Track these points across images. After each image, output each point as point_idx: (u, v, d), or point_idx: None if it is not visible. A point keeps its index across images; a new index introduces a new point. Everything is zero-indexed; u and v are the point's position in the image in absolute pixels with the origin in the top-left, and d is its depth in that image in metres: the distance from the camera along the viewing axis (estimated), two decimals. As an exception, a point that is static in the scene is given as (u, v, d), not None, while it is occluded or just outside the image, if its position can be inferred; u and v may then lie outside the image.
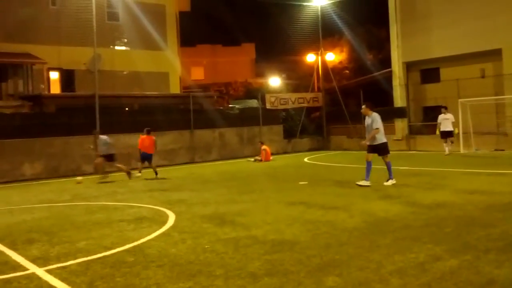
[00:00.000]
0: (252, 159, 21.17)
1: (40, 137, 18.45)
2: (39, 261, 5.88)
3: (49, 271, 5.40)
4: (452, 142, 18.75)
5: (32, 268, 5.60)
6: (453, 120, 18.60)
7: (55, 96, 24.60)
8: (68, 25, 24.97)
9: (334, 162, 19.01)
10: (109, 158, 15.58)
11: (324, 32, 28.67)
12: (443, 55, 22.15)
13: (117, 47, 28.01)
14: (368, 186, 10.71)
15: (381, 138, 11.06)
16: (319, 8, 27.50)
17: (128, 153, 19.44)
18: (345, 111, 26.33)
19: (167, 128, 21.74)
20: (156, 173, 15.83)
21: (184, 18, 34.21)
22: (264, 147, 21.10)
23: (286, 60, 38.96)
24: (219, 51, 46.02)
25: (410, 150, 22.78)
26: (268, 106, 25.72)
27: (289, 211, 8.44)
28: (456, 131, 18.95)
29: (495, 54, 20.28)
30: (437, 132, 18.96)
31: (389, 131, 23.48)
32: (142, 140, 16.15)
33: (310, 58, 30.58)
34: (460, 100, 19.89)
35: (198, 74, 43.39)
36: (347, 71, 36.26)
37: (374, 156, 11.12)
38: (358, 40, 34.45)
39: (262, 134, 24.73)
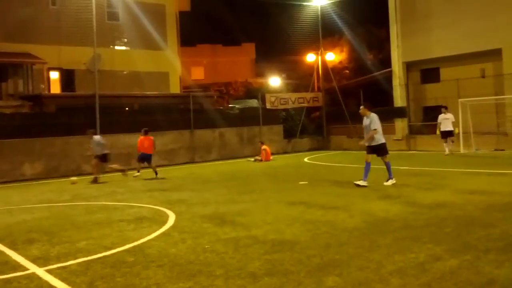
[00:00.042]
0: (252, 159, 21.17)
1: (40, 137, 18.46)
2: (39, 261, 5.88)
3: (49, 271, 5.40)
4: (452, 142, 18.74)
5: (32, 268, 5.60)
6: (453, 120, 18.60)
7: (55, 96, 24.61)
8: (68, 25, 24.97)
9: (334, 162, 19.01)
10: (103, 158, 15.53)
11: (324, 32, 28.69)
12: (443, 55, 22.15)
13: (117, 47, 28.01)
14: (365, 186, 10.70)
15: (380, 139, 11.04)
16: (319, 8, 27.50)
17: (128, 153, 19.45)
18: (345, 111, 26.32)
19: (167, 128, 21.75)
20: (156, 173, 15.81)
21: (184, 18, 34.20)
22: (264, 147, 21.10)
23: (286, 60, 38.96)
24: (219, 51, 46.02)
25: (410, 150, 22.78)
26: (268, 106, 25.72)
27: (289, 211, 8.44)
28: (457, 131, 18.95)
29: (495, 54, 20.28)
30: (438, 132, 18.96)
31: (389, 131, 23.61)
32: (141, 141, 16.07)
33: (310, 58, 30.59)
34: (460, 100, 19.89)
35: (198, 74, 43.39)
36: (347, 71, 36.25)
37: (373, 157, 11.11)
38: (358, 40, 34.45)
39: (262, 134, 24.73)
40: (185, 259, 5.61)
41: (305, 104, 27.33)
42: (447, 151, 18.55)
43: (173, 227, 7.55)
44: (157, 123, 21.13)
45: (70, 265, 5.63)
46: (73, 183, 15.27)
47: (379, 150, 11.06)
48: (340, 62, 36.45)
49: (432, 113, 21.95)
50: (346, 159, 19.77)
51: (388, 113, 24.13)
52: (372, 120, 10.96)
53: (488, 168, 13.40)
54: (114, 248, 6.29)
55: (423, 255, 5.25)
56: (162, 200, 10.63)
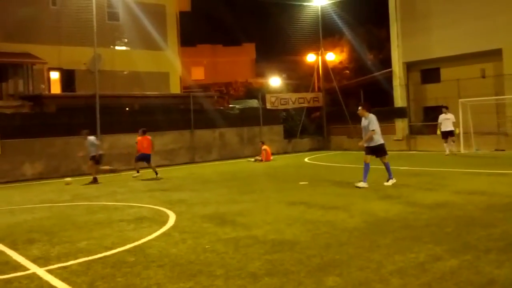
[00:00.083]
0: (253, 159, 21.18)
1: (40, 137, 18.48)
2: (40, 261, 5.88)
3: (49, 271, 5.40)
4: (453, 142, 18.71)
5: (33, 268, 5.60)
6: (454, 120, 18.56)
7: (55, 96, 24.62)
8: (69, 25, 24.98)
9: (335, 162, 19.01)
10: (97, 159, 15.47)
11: (325, 32, 28.70)
12: (444, 55, 22.14)
13: (117, 47, 28.01)
14: (366, 187, 10.69)
15: (378, 140, 11.01)
16: (319, 8, 27.50)
17: (128, 153, 19.45)
18: (345, 111, 26.31)
19: (167, 128, 21.76)
20: (156, 173, 15.78)
21: (184, 18, 34.20)
22: (264, 147, 21.11)
23: (287, 60, 38.95)
24: (219, 51, 46.02)
25: (410, 150, 22.78)
26: (268, 106, 25.72)
27: (289, 211, 8.44)
28: (457, 131, 18.92)
29: (495, 54, 20.28)
30: (438, 132, 18.92)
31: (389, 131, 23.63)
32: (140, 142, 15.95)
33: (311, 58, 30.60)
34: (460, 100, 19.89)
35: (198, 74, 43.38)
36: (348, 71, 36.26)
37: (372, 157, 11.09)
38: (358, 40, 34.45)
39: (263, 134, 24.73)
40: (185, 259, 5.62)
41: (306, 104, 27.33)
42: (447, 151, 18.55)
43: (173, 227, 7.56)
44: (157, 123, 21.16)
45: (70, 265, 5.64)
46: (67, 183, 15.15)
47: (378, 151, 11.04)
48: (341, 62, 36.46)
49: (432, 113, 21.94)
50: (346, 159, 19.77)
51: (389, 113, 24.14)
52: (370, 120, 10.94)
53: (489, 168, 13.40)
54: (115, 248, 6.30)
55: (423, 255, 5.25)
56: (162, 200, 10.63)
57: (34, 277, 5.26)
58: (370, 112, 11.13)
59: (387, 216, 7.51)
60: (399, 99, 24.31)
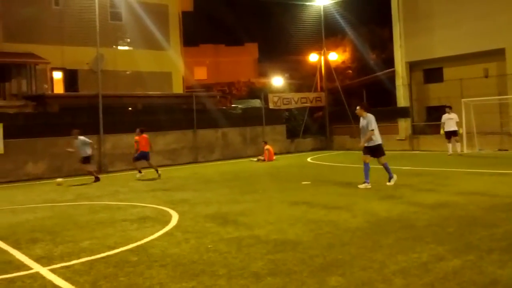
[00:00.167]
0: (255, 159, 21.18)
1: (43, 137, 18.50)
2: (43, 260, 5.90)
3: (52, 271, 5.42)
4: (457, 141, 18.63)
5: (36, 267, 5.62)
6: (457, 120, 18.48)
7: (58, 96, 24.68)
8: (71, 25, 25.05)
9: (337, 162, 19.00)
10: (86, 160, 15.41)
11: (327, 31, 28.63)
12: (446, 54, 22.09)
13: (120, 47, 28.07)
14: (368, 187, 10.67)
15: (377, 139, 10.94)
16: (322, 8, 27.46)
17: (130, 153, 19.37)
18: (348, 111, 26.25)
19: (170, 128, 21.78)
20: (158, 172, 15.78)
21: (187, 18, 34.25)
22: (267, 147, 21.11)
23: (289, 60, 38.93)
24: (222, 51, 46.03)
25: (413, 150, 22.74)
26: (271, 106, 25.70)
27: (292, 211, 8.44)
28: (461, 131, 18.84)
29: (498, 54, 20.23)
30: (442, 132, 18.86)
31: (392, 131, 23.64)
32: (139, 141, 15.93)
33: (313, 57, 30.57)
34: (463, 100, 19.84)
35: (201, 74, 43.40)
36: (350, 71, 36.20)
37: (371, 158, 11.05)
38: (361, 40, 34.39)
39: (265, 134, 24.73)
40: (188, 258, 5.62)
41: (308, 104, 27.30)
42: (450, 151, 18.51)
43: (176, 226, 7.56)
44: (160, 123, 21.20)
45: (73, 264, 5.65)
46: (59, 184, 14.93)
47: (376, 151, 10.94)
48: (343, 62, 36.39)
49: (435, 113, 21.90)
50: (348, 159, 19.74)
51: (391, 113, 24.12)
52: (369, 120, 10.89)
53: (491, 168, 13.37)
54: (117, 248, 6.31)
55: (426, 255, 5.25)
56: (165, 200, 10.65)
57: (37, 276, 5.28)
58: (368, 112, 11.10)
59: (389, 216, 7.51)
60: (402, 99, 24.27)
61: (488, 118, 19.61)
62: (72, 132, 15.58)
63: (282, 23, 36.40)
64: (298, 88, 31.31)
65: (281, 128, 26.24)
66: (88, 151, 15.45)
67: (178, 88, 29.88)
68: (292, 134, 26.62)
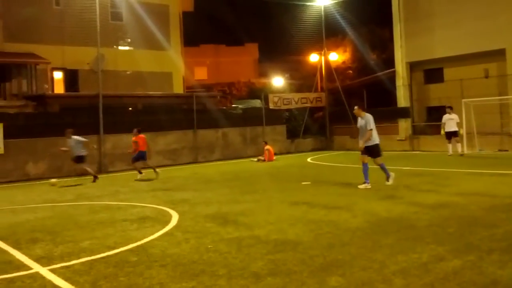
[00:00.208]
0: (255, 159, 21.18)
1: (44, 137, 18.49)
2: (43, 260, 5.90)
3: (52, 271, 5.42)
4: (457, 142, 18.59)
5: (36, 267, 5.62)
6: (458, 121, 18.44)
7: (58, 96, 24.68)
8: (72, 25, 25.06)
9: (337, 162, 19.00)
10: (79, 159, 15.33)
11: (328, 32, 28.62)
12: (447, 55, 22.08)
13: (120, 47, 28.09)
14: (368, 188, 10.66)
15: (374, 139, 10.90)
16: (323, 8, 27.46)
17: (130, 153, 19.44)
18: (348, 111, 26.17)
19: (170, 128, 21.78)
20: (155, 171, 15.81)
21: (187, 18, 34.26)
22: (267, 147, 21.11)
23: (290, 60, 38.93)
24: (222, 51, 46.07)
25: (413, 150, 22.73)
26: (271, 106, 25.70)
27: (292, 211, 8.44)
28: (461, 131, 18.81)
29: (499, 54, 20.23)
30: (442, 132, 18.84)
31: (392, 131, 23.64)
32: (138, 141, 15.88)
33: (313, 58, 30.56)
34: (463, 100, 19.82)
35: (201, 74, 43.43)
36: (351, 71, 36.19)
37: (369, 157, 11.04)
38: (361, 40, 34.39)
39: (265, 134, 24.72)
40: (188, 258, 5.62)
41: (308, 104, 27.29)
42: (450, 152, 18.49)
43: (176, 226, 7.56)
44: (160, 123, 21.21)
45: (73, 264, 5.65)
46: (53, 185, 14.71)
47: (373, 151, 10.88)
48: (344, 62, 36.39)
49: (435, 113, 21.89)
50: (349, 159, 19.73)
51: (392, 114, 24.13)
52: (367, 120, 10.86)
53: (492, 169, 13.37)
54: (117, 248, 6.31)
55: (426, 255, 5.25)
56: (165, 200, 10.64)
57: (37, 276, 5.28)
58: (366, 112, 11.08)
59: (389, 216, 7.50)
60: (402, 99, 24.26)
61: (488, 119, 19.60)
62: (66, 131, 15.51)
63: (282, 23, 36.44)
64: (298, 88, 31.30)
65: (281, 128, 26.23)
66: (82, 151, 15.35)
67: (178, 88, 29.89)
68: (292, 134, 26.61)
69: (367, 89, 25.50)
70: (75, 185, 14.88)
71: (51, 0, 25.68)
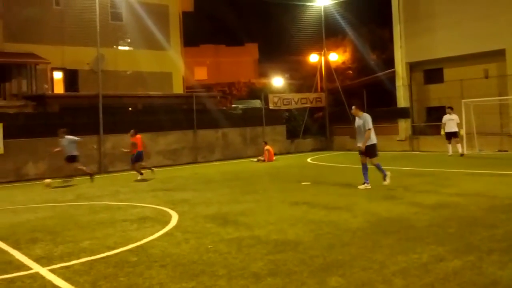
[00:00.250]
0: (255, 159, 21.18)
1: (43, 137, 18.47)
2: (43, 260, 5.90)
3: (52, 271, 5.42)
4: (457, 143, 18.57)
5: (36, 267, 5.62)
6: (458, 121, 18.43)
7: (58, 96, 24.68)
8: (72, 25, 25.07)
9: (337, 162, 19.00)
10: (72, 159, 15.26)
11: (327, 32, 28.64)
12: (447, 55, 22.09)
13: (120, 47, 28.09)
14: (369, 188, 10.65)
15: (372, 139, 10.84)
16: (322, 8, 27.47)
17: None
18: (348, 111, 26.17)
19: (170, 128, 21.78)
20: (152, 169, 15.90)
21: (187, 18, 34.28)
22: (267, 147, 21.11)
23: (289, 60, 38.96)
24: (222, 51, 46.08)
25: (413, 150, 22.73)
26: (271, 106, 25.71)
27: (292, 211, 8.44)
28: (462, 132, 18.80)
29: (498, 55, 20.23)
30: (442, 133, 18.82)
31: (392, 131, 23.64)
32: (136, 142, 15.84)
33: (313, 58, 30.59)
34: (463, 100, 19.82)
35: (201, 74, 43.45)
36: (350, 71, 36.23)
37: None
38: (361, 40, 34.41)
39: (265, 134, 24.73)
40: (188, 259, 5.62)
41: (308, 105, 27.30)
42: (450, 152, 18.49)
43: (176, 227, 7.56)
44: (160, 123, 21.22)
45: (73, 264, 5.65)
46: (47, 185, 14.61)
47: (370, 151, 10.83)
48: (343, 63, 36.43)
49: (435, 113, 21.89)
50: (349, 159, 19.71)
51: (392, 114, 24.13)
52: (365, 120, 10.82)
53: (492, 169, 13.37)
54: (117, 248, 6.31)
55: (426, 255, 5.25)
56: (165, 200, 10.64)
57: (37, 276, 5.28)
58: (363, 111, 11.07)
59: (390, 216, 7.50)
60: (402, 100, 24.26)
61: (488, 119, 19.60)
62: (59, 131, 15.44)
63: (282, 24, 36.45)
64: (298, 89, 31.32)
65: (281, 129, 26.24)
66: (74, 151, 15.28)
67: (178, 88, 29.90)
68: (292, 134, 26.62)
69: (367, 89, 25.49)
70: (70, 186, 14.82)
71: (51, 0, 25.68)
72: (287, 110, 26.97)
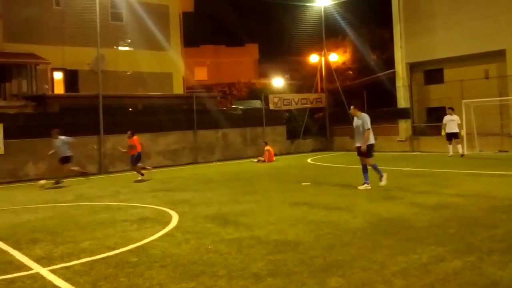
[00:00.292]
0: (255, 160, 21.18)
1: (44, 137, 18.45)
2: (43, 261, 5.90)
3: (53, 271, 5.42)
4: (457, 143, 18.55)
5: (36, 268, 5.62)
6: (459, 122, 18.39)
7: (58, 96, 24.68)
8: (72, 25, 25.08)
9: (337, 163, 18.99)
10: (65, 160, 15.19)
11: (328, 32, 28.64)
12: (447, 56, 22.09)
13: (120, 48, 28.09)
14: (369, 188, 10.65)
15: (370, 139, 10.83)
16: (323, 9, 27.47)
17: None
18: (348, 111, 26.24)
19: (170, 128, 21.79)
20: (150, 169, 16.10)
21: (187, 19, 34.28)
22: (267, 147, 21.11)
23: (290, 60, 38.96)
24: (222, 51, 46.09)
25: (413, 151, 22.73)
26: (271, 106, 25.71)
27: (292, 211, 8.44)
28: (462, 133, 18.78)
29: (499, 55, 20.23)
30: (443, 133, 18.81)
31: (392, 132, 23.65)
32: (134, 143, 15.81)
33: (314, 58, 30.60)
34: (464, 101, 19.81)
35: (201, 74, 43.45)
36: (351, 72, 36.22)
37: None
38: (361, 41, 34.41)
39: (265, 135, 24.73)
40: (188, 259, 5.62)
41: (308, 105, 27.30)
42: (450, 152, 18.48)
43: (176, 227, 7.56)
44: (160, 124, 21.22)
45: (73, 265, 5.65)
46: (42, 186, 14.48)
47: (366, 151, 10.82)
48: (344, 63, 36.43)
49: (436, 114, 21.89)
50: (349, 160, 19.69)
51: (392, 114, 24.13)
52: (364, 120, 10.79)
53: (492, 170, 13.37)
54: (118, 248, 6.31)
55: (426, 256, 5.25)
56: (165, 200, 10.64)
57: (37, 277, 5.28)
58: (362, 111, 11.06)
59: (390, 216, 7.50)
60: (402, 100, 24.26)
61: (488, 119, 19.60)
62: (52, 131, 15.38)
63: (282, 24, 36.46)
64: (298, 89, 31.32)
65: (282, 129, 26.24)
66: (68, 151, 15.20)
67: (178, 88, 29.89)
68: (292, 135, 26.62)
69: (367, 89, 25.50)
70: (62, 187, 14.78)
71: (51, 0, 25.68)
72: (287, 111, 26.97)
